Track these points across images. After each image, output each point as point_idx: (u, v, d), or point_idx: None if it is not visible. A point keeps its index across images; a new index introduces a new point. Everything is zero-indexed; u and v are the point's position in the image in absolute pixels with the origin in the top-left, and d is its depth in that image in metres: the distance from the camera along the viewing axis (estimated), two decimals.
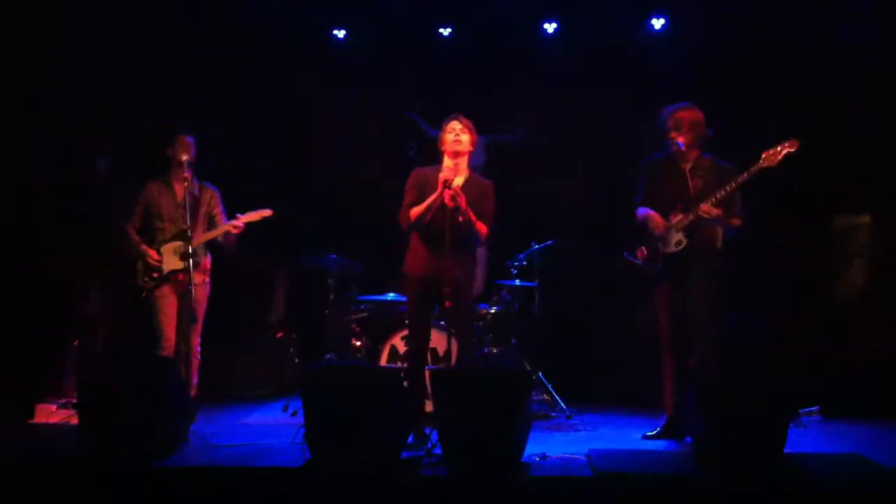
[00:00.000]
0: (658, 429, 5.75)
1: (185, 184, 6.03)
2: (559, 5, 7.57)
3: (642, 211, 5.78)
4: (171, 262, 6.18)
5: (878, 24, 6.87)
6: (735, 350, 6.02)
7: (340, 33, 7.84)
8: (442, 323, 6.22)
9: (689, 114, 5.62)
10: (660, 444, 5.58)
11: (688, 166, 5.66)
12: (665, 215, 5.68)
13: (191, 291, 5.83)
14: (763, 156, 5.33)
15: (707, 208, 5.43)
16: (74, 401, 6.34)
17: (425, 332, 5.63)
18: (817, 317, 7.08)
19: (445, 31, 7.78)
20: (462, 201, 5.29)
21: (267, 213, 6.25)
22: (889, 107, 6.92)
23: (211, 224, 6.34)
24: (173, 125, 6.37)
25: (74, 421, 5.82)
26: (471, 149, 5.55)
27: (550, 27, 7.65)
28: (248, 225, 6.22)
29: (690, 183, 5.62)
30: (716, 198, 5.43)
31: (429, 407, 5.54)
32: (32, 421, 6.34)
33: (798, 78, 7.13)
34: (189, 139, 6.25)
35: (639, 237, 5.81)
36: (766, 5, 7.13)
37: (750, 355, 5.87)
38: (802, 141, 5.29)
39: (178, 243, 6.15)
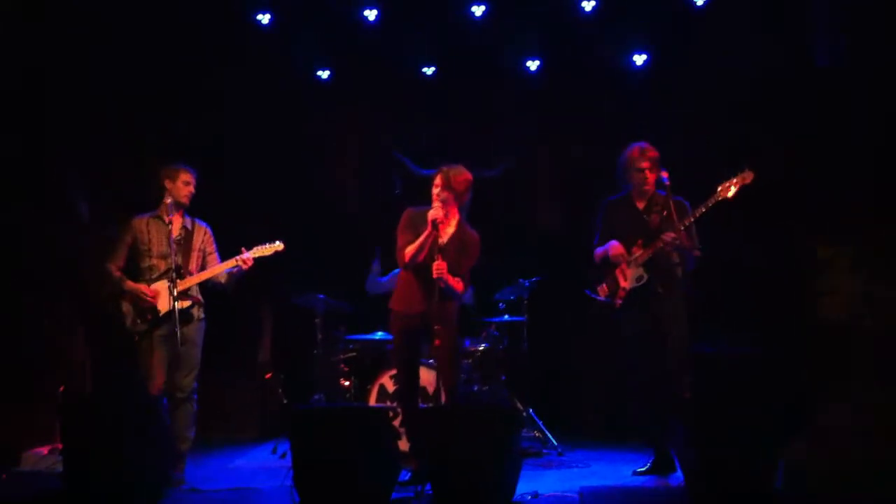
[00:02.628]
0: (648, 465, 5.72)
1: (180, 219, 5.80)
2: (544, 43, 7.61)
3: (601, 248, 5.84)
4: (164, 303, 5.68)
5: (850, 45, 6.92)
6: (723, 380, 6.00)
7: (325, 74, 7.88)
8: (431, 361, 6.20)
9: (656, 153, 5.71)
10: (650, 480, 5.55)
11: (643, 203, 5.78)
12: (627, 250, 5.75)
13: (177, 334, 5.47)
14: (718, 188, 5.47)
15: (672, 235, 5.47)
16: (60, 447, 6.30)
17: (414, 369, 5.61)
18: (803, 344, 7.06)
19: (429, 71, 7.82)
20: (445, 277, 5.33)
21: (279, 247, 5.87)
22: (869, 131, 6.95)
23: (204, 264, 5.94)
24: (170, 158, 6.02)
25: (61, 468, 5.77)
26: (460, 197, 5.52)
27: (534, 65, 7.71)
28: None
29: (648, 218, 5.73)
30: (684, 225, 5.50)
31: (403, 446, 5.51)
32: (19, 468, 6.22)
33: (777, 107, 7.17)
34: (190, 172, 5.88)
35: (598, 275, 5.86)
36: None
37: (739, 384, 5.85)
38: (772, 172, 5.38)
39: (172, 283, 5.63)
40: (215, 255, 5.98)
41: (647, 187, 5.73)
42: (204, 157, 7.00)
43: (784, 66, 6.95)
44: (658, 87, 7.50)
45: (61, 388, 6.76)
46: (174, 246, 5.70)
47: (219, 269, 5.85)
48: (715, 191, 5.47)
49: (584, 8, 7.26)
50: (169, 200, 5.78)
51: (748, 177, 5.40)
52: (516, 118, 7.75)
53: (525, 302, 7.06)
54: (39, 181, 6.97)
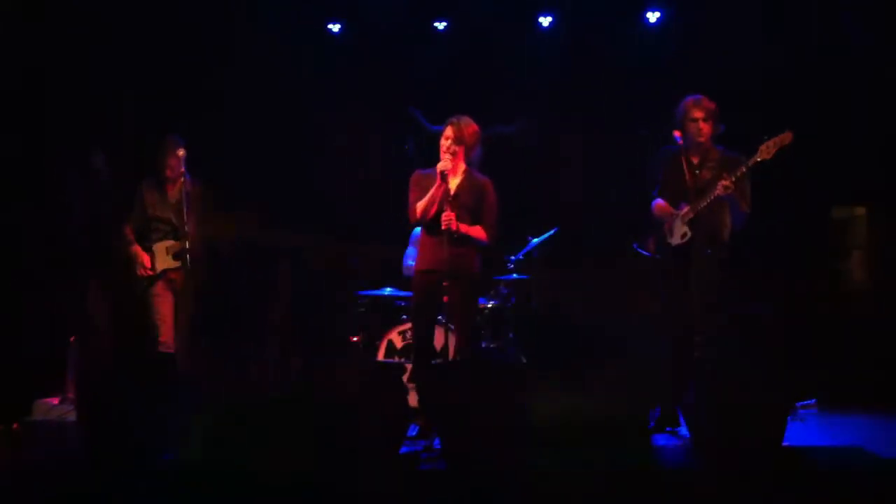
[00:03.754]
0: (653, 422, 5.77)
1: (179, 184, 6.17)
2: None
3: (655, 202, 5.80)
4: (163, 262, 6.24)
5: (876, 23, 6.88)
6: (736, 341, 6.03)
7: (336, 27, 7.83)
8: (440, 318, 6.20)
9: (713, 105, 5.60)
10: (658, 438, 5.60)
11: (697, 159, 5.67)
12: (675, 205, 5.69)
13: (186, 290, 5.99)
14: (760, 148, 5.37)
15: (727, 182, 5.38)
16: (71, 396, 6.38)
17: (429, 325, 5.62)
18: (816, 307, 7.09)
19: (441, 26, 7.77)
20: (454, 226, 5.34)
21: None
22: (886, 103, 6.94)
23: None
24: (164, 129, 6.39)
25: (72, 417, 5.85)
26: (469, 150, 5.51)
27: (546, 20, 7.65)
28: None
29: (700, 174, 5.63)
30: (735, 176, 5.40)
31: (412, 401, 5.56)
32: (31, 418, 6.31)
33: (796, 71, 7.13)
34: (179, 142, 6.26)
35: (649, 228, 5.84)
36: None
37: (750, 347, 5.89)
38: (799, 133, 5.32)
39: (171, 242, 6.23)
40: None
41: (701, 139, 5.59)
42: (219, 116, 7.08)
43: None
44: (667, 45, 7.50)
45: (72, 339, 6.84)
46: (176, 209, 6.20)
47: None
48: (756, 150, 5.38)
49: None
50: (172, 167, 6.24)
51: (787, 138, 5.31)
52: (529, 76, 7.70)
53: (535, 260, 7.07)
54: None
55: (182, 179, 6.23)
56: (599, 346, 7.44)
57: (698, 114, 5.57)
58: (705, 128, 5.57)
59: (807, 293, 7.13)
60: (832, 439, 5.55)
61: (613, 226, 7.09)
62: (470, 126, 5.50)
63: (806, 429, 5.85)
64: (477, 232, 5.47)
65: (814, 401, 6.41)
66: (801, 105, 6.99)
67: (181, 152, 6.23)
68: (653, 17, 7.55)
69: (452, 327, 5.86)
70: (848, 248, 7.49)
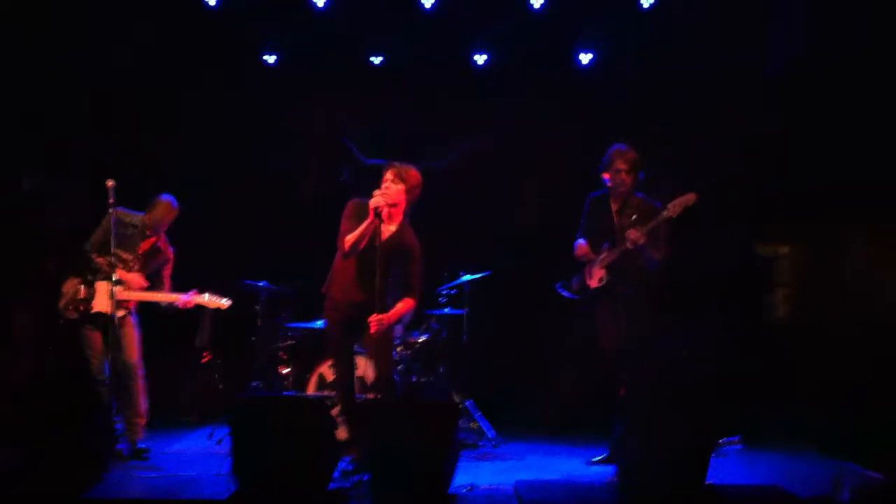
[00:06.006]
0: (604, 455, 5.90)
1: (156, 240, 6.03)
2: (491, 37, 7.68)
3: (577, 243, 6.07)
4: (101, 303, 5.86)
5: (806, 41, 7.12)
6: (660, 378, 6.13)
7: (271, 59, 7.82)
8: (363, 351, 6.18)
9: (635, 155, 5.91)
10: (595, 473, 5.67)
11: (617, 205, 5.96)
12: (596, 250, 5.96)
13: (117, 330, 5.72)
14: (668, 206, 5.72)
15: (634, 235, 5.69)
16: None
17: (350, 358, 5.66)
18: (740, 344, 7.24)
19: (377, 60, 7.82)
20: (382, 328, 5.39)
21: (225, 305, 6.15)
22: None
23: (156, 282, 6.11)
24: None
25: None
26: (405, 197, 5.49)
27: (481, 59, 7.75)
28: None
29: (618, 221, 5.92)
30: (647, 228, 5.70)
31: (342, 434, 5.54)
32: None
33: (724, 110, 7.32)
34: (174, 208, 6.07)
35: (574, 269, 6.09)
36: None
37: (674, 384, 5.98)
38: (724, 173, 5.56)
39: (113, 286, 5.71)
40: (167, 281, 6.17)
41: (623, 189, 5.92)
42: (155, 143, 7.01)
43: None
44: (605, 85, 7.63)
45: None
46: (138, 258, 5.99)
47: (162, 298, 6.07)
48: (665, 207, 5.72)
49: (532, 4, 7.32)
50: (148, 219, 6.00)
51: (691, 198, 5.66)
52: (464, 112, 7.77)
53: (466, 295, 7.11)
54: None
55: (161, 236, 6.09)
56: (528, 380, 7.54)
57: (622, 165, 5.88)
58: (627, 179, 5.90)
59: (731, 330, 7.28)
60: (753, 477, 5.68)
61: (543, 264, 7.16)
62: (411, 171, 5.48)
63: (729, 465, 5.97)
64: (405, 307, 5.53)
65: (738, 437, 6.55)
66: (728, 146, 7.19)
67: (172, 217, 6.05)
68: (585, 58, 7.71)
69: (370, 356, 5.87)
70: (772, 286, 7.67)
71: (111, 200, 5.68)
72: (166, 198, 6.06)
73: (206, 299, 6.06)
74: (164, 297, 6.05)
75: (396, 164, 5.49)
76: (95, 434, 5.05)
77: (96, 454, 5.04)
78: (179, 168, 7.46)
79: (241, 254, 7.59)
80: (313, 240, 7.07)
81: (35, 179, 7.20)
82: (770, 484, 5.24)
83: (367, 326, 5.37)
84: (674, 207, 5.69)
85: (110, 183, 5.66)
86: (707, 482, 4.82)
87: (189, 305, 6.03)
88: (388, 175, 5.46)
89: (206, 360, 7.80)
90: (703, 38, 7.26)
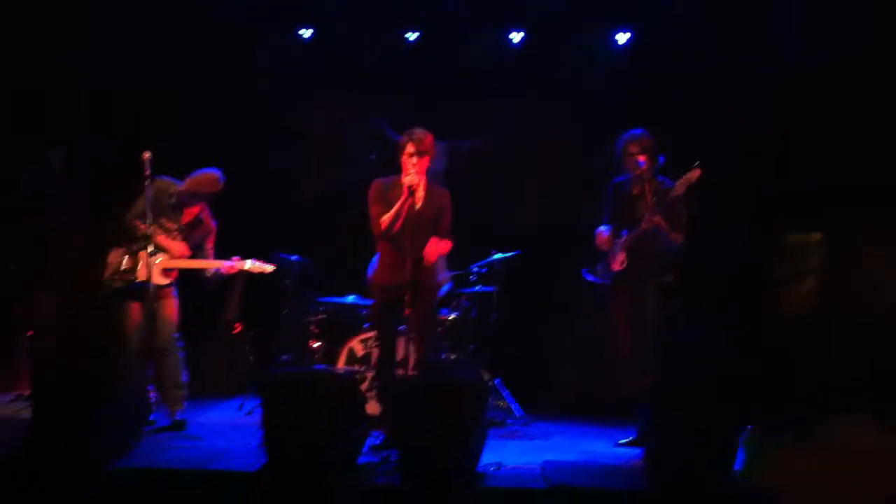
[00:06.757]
0: (632, 437, 5.90)
1: (197, 207, 6.06)
2: (527, 16, 7.62)
3: (598, 230, 6.10)
4: (145, 273, 5.78)
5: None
6: (689, 365, 6.12)
7: (307, 32, 7.82)
8: (402, 328, 6.22)
9: (648, 139, 5.92)
10: (626, 453, 5.67)
11: (638, 189, 5.96)
12: (618, 236, 6.00)
13: (158, 301, 5.76)
14: (676, 184, 5.74)
15: (650, 219, 5.75)
16: (26, 393, 6.30)
17: (392, 340, 5.71)
18: (767, 333, 7.20)
19: (412, 37, 7.80)
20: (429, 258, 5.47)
21: (269, 269, 6.19)
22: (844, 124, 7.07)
23: (199, 254, 6.13)
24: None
25: (25, 414, 5.77)
26: (430, 160, 5.58)
27: (517, 37, 7.71)
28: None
29: (639, 205, 5.93)
30: (660, 210, 5.74)
31: (372, 409, 5.58)
32: None
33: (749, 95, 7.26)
34: (218, 178, 6.04)
35: (598, 254, 6.13)
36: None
37: (703, 370, 5.97)
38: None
39: (157, 255, 5.79)
40: (211, 253, 6.19)
41: (638, 173, 5.91)
42: (187, 118, 7.03)
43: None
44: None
45: (29, 333, 6.77)
46: (181, 228, 6.02)
47: (206, 265, 6.09)
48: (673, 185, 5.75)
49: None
50: (188, 186, 6.00)
51: (694, 174, 5.64)
52: (496, 90, 7.75)
53: (496, 273, 7.12)
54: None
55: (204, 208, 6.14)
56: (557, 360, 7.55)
57: (633, 149, 5.89)
58: (642, 162, 5.87)
59: (757, 317, 7.24)
60: None
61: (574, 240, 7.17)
62: (427, 137, 5.54)
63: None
64: (443, 248, 5.55)
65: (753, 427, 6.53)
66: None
67: (214, 189, 6.01)
68: (622, 38, 7.65)
69: (413, 338, 5.89)
70: (802, 273, 7.61)
71: (147, 172, 5.69)
72: (211, 170, 6.05)
73: (250, 265, 6.11)
74: (208, 263, 6.11)
75: (416, 133, 5.52)
76: (122, 407, 5.10)
77: (123, 427, 5.10)
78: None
79: (272, 229, 7.59)
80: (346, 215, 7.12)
81: (58, 156, 7.23)
82: None
83: (409, 305, 5.43)
84: (680, 185, 5.72)
85: (146, 155, 5.68)
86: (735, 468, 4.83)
87: (233, 271, 6.09)
88: (409, 148, 5.49)
89: (236, 331, 7.87)
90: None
